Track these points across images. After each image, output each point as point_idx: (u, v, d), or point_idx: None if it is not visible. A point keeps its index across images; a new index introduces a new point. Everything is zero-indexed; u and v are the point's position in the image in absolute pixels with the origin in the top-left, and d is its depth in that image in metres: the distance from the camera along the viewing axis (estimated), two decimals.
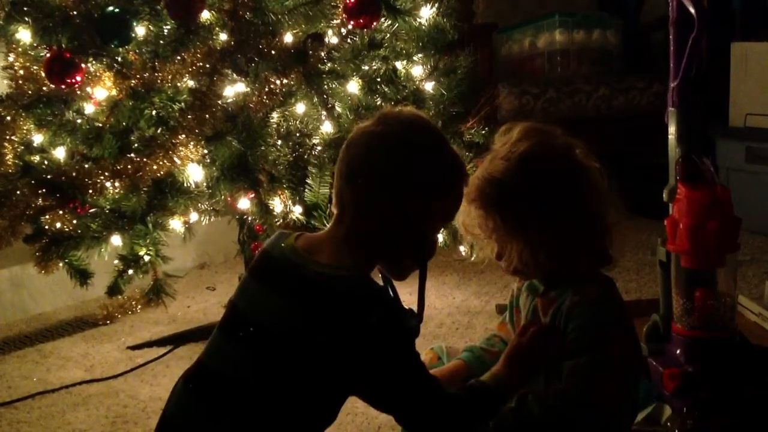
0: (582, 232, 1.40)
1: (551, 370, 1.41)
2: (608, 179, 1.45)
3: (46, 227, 2.16)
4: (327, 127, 2.17)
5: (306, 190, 2.10)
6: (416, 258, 1.36)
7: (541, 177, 1.40)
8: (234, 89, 2.11)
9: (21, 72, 2.10)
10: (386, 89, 2.25)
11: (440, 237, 2.38)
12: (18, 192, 2.09)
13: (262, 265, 1.35)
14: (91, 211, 2.13)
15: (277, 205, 2.10)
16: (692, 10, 1.61)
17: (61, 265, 2.20)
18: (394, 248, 1.33)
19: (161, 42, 2.03)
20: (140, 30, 2.02)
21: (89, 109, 2.14)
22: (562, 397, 1.36)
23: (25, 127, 2.13)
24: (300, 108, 2.15)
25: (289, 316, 1.25)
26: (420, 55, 2.37)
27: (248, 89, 2.09)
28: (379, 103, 2.25)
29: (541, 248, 1.39)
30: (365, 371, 1.24)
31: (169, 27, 2.03)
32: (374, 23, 2.16)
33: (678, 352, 1.68)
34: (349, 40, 2.19)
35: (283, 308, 1.26)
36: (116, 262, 2.21)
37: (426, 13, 2.30)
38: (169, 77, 2.03)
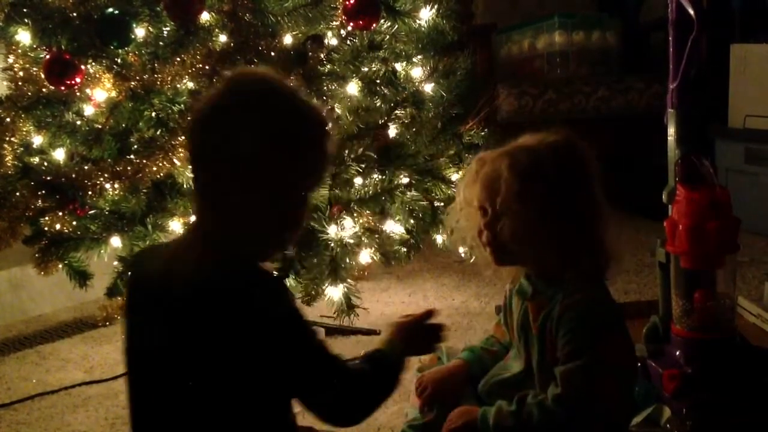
0: (589, 230, 1.40)
1: (546, 373, 1.41)
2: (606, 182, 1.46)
3: (46, 228, 2.16)
4: None
5: None
6: (291, 230, 1.24)
7: (571, 165, 1.40)
8: None
9: (21, 73, 2.11)
10: (386, 91, 2.25)
11: (439, 239, 2.38)
12: (17, 193, 2.09)
13: (138, 298, 1.24)
14: (90, 212, 2.13)
15: None
16: (691, 12, 1.61)
17: (60, 266, 2.20)
18: (265, 227, 1.20)
19: (161, 43, 2.03)
20: (140, 31, 2.02)
21: (89, 110, 2.14)
22: (560, 402, 1.36)
23: (24, 129, 2.13)
24: None
25: (187, 339, 1.14)
26: (419, 57, 2.37)
27: None
28: (378, 104, 2.25)
29: (544, 231, 1.39)
30: (275, 363, 1.14)
31: (168, 28, 2.03)
32: (373, 25, 2.16)
33: (677, 353, 1.68)
34: (348, 42, 2.20)
35: (179, 333, 1.15)
36: (116, 263, 2.21)
37: (425, 15, 2.30)
38: (169, 79, 2.03)
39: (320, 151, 1.21)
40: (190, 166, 1.21)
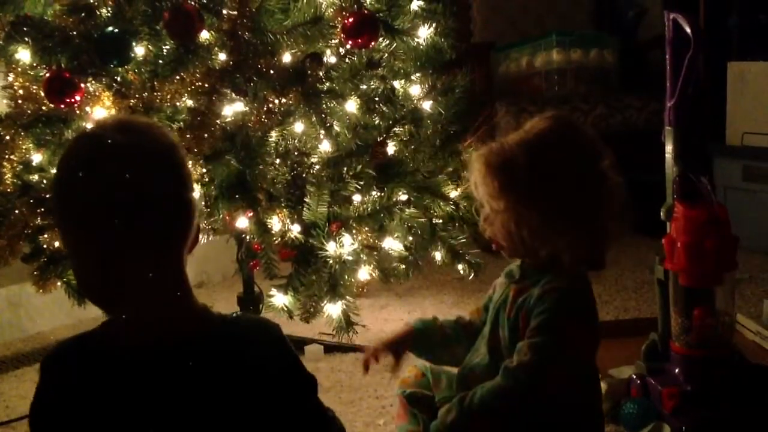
0: (570, 221, 1.39)
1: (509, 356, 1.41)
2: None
3: (45, 246, 2.15)
4: (325, 146, 2.18)
5: (304, 208, 2.10)
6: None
7: (550, 155, 1.41)
8: (233, 108, 2.11)
9: (20, 92, 2.10)
10: (384, 108, 2.26)
11: (438, 255, 2.38)
12: (16, 211, 2.08)
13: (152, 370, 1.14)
14: None
15: (275, 223, 2.10)
16: (688, 30, 1.62)
17: (59, 284, 2.19)
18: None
19: (160, 62, 2.04)
20: (139, 50, 2.03)
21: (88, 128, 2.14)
22: (509, 372, 1.35)
23: (24, 147, 2.13)
24: (298, 127, 2.16)
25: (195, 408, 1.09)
26: (418, 75, 2.38)
27: (247, 108, 2.10)
28: (377, 121, 2.25)
29: (525, 223, 1.40)
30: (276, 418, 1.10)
31: (168, 47, 2.04)
32: (372, 43, 2.17)
33: (676, 370, 1.68)
34: (347, 60, 2.20)
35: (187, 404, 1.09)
36: None
37: (424, 33, 2.31)
38: (168, 97, 2.03)
39: None
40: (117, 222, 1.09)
